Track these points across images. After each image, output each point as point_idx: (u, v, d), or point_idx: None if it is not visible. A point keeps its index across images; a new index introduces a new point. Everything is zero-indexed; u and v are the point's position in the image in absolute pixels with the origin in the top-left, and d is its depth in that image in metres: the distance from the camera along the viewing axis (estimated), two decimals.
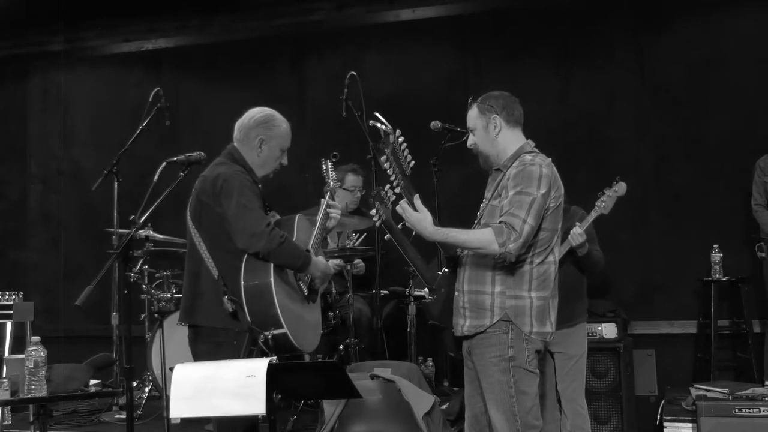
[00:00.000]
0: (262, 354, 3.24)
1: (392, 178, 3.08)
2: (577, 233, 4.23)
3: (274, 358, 2.62)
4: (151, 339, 5.33)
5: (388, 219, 3.19)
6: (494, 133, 3.21)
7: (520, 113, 3.28)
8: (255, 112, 3.53)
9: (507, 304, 3.10)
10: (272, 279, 3.22)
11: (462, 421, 4.44)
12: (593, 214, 4.38)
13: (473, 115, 3.27)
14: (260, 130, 3.46)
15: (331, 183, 3.85)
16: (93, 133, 7.39)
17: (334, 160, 3.98)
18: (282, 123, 3.54)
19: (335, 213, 3.70)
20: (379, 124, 3.09)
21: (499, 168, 3.23)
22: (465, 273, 3.20)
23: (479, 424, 3.30)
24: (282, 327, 3.19)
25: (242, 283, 3.22)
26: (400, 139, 3.10)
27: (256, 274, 3.23)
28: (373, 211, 3.20)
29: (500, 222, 3.01)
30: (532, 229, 3.03)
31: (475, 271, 3.16)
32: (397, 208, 3.11)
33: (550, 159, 3.22)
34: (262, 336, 3.18)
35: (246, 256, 3.25)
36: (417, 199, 3.12)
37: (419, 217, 3.09)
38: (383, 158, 3.03)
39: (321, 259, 3.53)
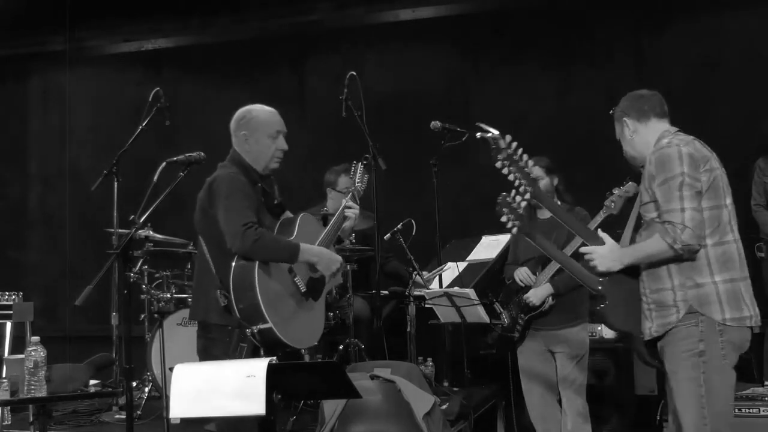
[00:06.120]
0: (254, 350, 3.32)
1: (516, 184, 2.94)
2: None
3: (274, 358, 2.63)
4: (151, 339, 5.32)
5: (524, 226, 3.01)
6: (630, 136, 3.23)
7: (651, 104, 3.25)
8: (236, 114, 3.61)
9: (689, 294, 2.95)
10: (256, 276, 3.28)
11: (462, 421, 4.46)
12: (602, 214, 4.24)
13: (616, 125, 3.30)
14: (242, 127, 3.55)
15: (356, 184, 3.92)
16: (93, 133, 7.39)
17: (365, 162, 4.04)
18: (260, 113, 3.58)
19: (352, 212, 3.77)
20: (486, 134, 2.91)
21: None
22: (642, 274, 3.08)
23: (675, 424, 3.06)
24: (267, 322, 3.25)
25: (231, 279, 3.30)
26: (514, 144, 2.93)
27: (243, 272, 3.31)
28: (504, 218, 3.00)
29: (661, 222, 2.95)
30: (696, 211, 2.93)
31: (651, 270, 3.03)
32: (584, 249, 3.04)
33: (692, 137, 3.15)
34: (249, 330, 3.26)
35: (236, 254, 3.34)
36: (598, 230, 3.04)
37: (610, 249, 3.01)
38: (499, 165, 2.90)
39: (318, 247, 3.55)
